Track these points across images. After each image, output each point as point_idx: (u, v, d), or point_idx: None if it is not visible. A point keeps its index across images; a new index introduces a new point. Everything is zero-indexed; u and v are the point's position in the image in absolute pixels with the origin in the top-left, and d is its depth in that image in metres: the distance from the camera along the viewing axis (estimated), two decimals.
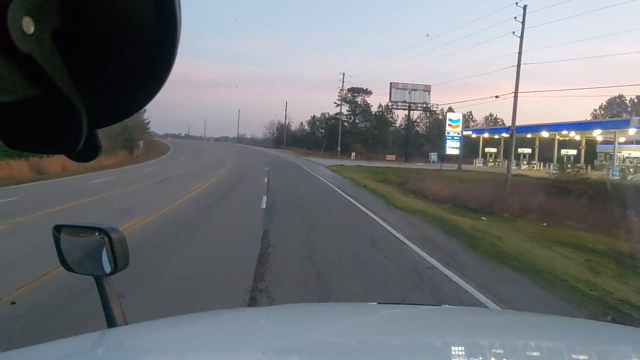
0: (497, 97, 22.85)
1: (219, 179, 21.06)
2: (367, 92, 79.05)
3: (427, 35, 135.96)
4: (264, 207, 11.78)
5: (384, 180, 22.06)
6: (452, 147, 37.62)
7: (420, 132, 77.15)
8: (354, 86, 75.43)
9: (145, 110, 66.37)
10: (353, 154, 51.46)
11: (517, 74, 23.25)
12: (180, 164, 33.61)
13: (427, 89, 52.97)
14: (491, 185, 21.48)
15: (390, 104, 54.76)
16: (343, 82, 57.02)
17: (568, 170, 25.19)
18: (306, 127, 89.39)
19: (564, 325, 1.61)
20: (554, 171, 35.94)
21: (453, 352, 1.17)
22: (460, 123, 37.73)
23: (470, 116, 75.55)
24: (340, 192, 16.31)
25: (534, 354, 1.20)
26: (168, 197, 12.85)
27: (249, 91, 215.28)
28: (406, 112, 57.66)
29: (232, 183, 18.94)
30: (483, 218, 11.05)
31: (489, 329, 1.43)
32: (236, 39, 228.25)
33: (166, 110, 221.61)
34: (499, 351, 1.20)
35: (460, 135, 37.46)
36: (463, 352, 1.16)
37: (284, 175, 24.04)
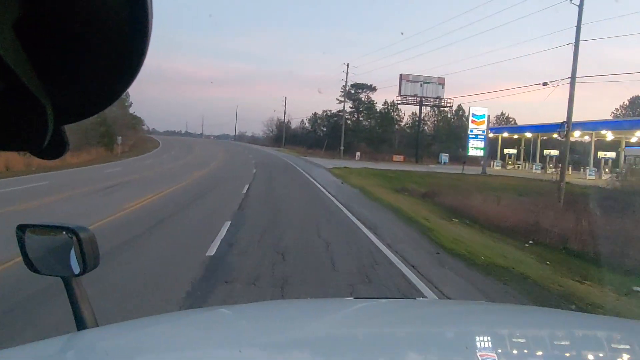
0: (545, 84, 17.81)
1: (186, 185, 15.65)
2: (372, 89, 73.83)
3: (402, 34, 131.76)
4: (213, 253, 6.31)
5: (404, 190, 16.54)
6: (476, 147, 31.65)
7: (427, 131, 71.73)
8: (358, 82, 70.19)
9: (132, 104, 61.06)
10: (358, 153, 45.66)
11: (574, 54, 17.71)
12: (157, 163, 28.45)
13: (440, 82, 47.02)
14: (540, 197, 16.13)
15: (399, 98, 48.58)
16: (347, 73, 50.57)
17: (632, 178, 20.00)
18: (307, 124, 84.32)
19: (543, 315, 1.64)
20: (590, 177, 30.65)
21: (464, 341, 1.16)
22: (486, 119, 31.66)
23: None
24: (350, 214, 10.68)
25: (524, 342, 1.19)
26: (79, 220, 7.41)
27: (250, 89, 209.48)
28: (415, 108, 51.87)
29: (198, 193, 13.49)
30: (637, 289, 5.52)
31: (473, 319, 1.43)
32: (237, 37, 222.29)
33: (166, 107, 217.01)
34: (521, 341, 1.21)
35: (485, 134, 31.50)
36: (483, 342, 1.14)
37: (273, 182, 18.49)
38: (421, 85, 46.34)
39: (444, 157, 50.60)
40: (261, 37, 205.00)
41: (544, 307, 3.95)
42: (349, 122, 75.44)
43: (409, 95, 47.82)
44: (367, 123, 73.16)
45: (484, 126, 31.16)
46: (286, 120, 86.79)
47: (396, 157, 51.92)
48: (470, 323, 1.34)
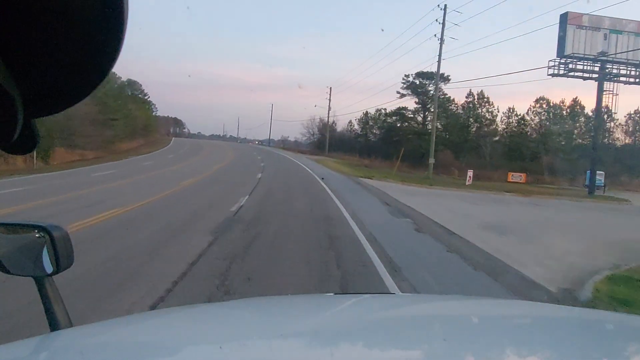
0: None
1: None
2: (444, 79, 52.88)
3: (382, 30, 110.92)
4: None
5: None
6: None
7: (527, 132, 50.03)
8: (424, 70, 49.99)
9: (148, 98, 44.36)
10: (470, 173, 23.86)
11: None
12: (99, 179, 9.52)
13: None
14: None
15: (555, 62, 23.89)
16: (443, 24, 25.96)
17: None
18: (356, 126, 64.56)
19: (521, 307, 1.60)
20: None
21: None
22: None
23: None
24: None
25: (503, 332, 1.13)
26: None
27: (294, 94, 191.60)
28: (590, 82, 24.34)
29: None
30: None
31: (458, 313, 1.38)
32: (282, 42, 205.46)
33: (215, 113, 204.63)
34: (501, 332, 1.15)
35: None
36: (462, 334, 1.09)
37: None
38: (606, 37, 22.83)
39: (599, 178, 28.99)
40: (307, 40, 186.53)
41: None
42: (412, 123, 55.25)
43: (583, 57, 22.92)
44: (441, 125, 52.48)
45: None
46: (330, 121, 66.61)
47: (512, 176, 30.89)
48: (449, 315, 1.32)
